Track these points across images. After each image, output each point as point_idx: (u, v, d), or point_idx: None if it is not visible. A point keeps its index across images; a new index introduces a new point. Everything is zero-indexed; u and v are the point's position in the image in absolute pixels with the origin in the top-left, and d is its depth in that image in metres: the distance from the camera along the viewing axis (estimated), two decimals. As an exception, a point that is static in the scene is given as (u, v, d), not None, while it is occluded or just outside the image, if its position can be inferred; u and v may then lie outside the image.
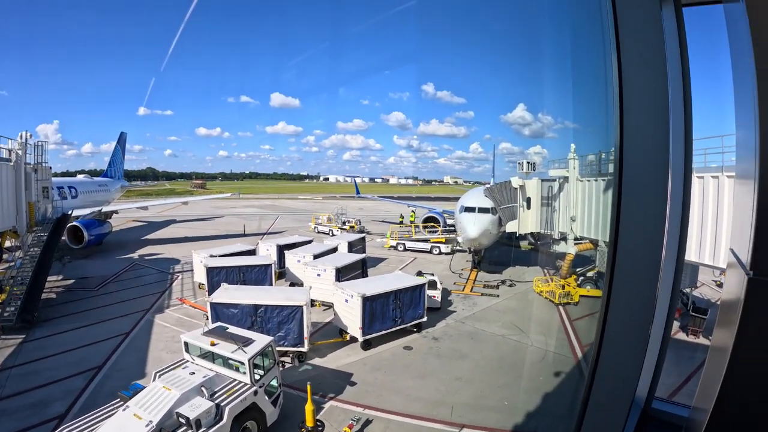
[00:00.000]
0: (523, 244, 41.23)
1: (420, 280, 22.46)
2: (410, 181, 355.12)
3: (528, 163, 32.99)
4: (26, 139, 28.72)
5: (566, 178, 28.46)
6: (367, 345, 19.78)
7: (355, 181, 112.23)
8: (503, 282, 31.26)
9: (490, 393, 16.47)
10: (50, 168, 32.87)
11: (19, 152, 27.88)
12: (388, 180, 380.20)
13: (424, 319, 21.78)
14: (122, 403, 11.95)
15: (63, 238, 35.38)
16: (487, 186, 40.05)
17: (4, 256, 29.36)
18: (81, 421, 11.57)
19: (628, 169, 2.94)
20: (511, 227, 30.79)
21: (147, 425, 10.68)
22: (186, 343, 14.31)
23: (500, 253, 38.67)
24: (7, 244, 30.48)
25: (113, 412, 11.73)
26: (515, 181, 30.78)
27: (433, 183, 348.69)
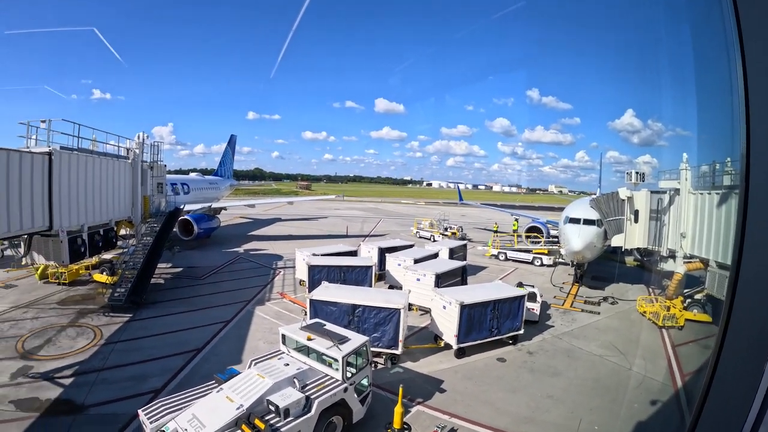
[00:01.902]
0: (629, 259, 40.13)
1: (519, 292, 22.22)
2: (514, 189, 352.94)
3: (637, 173, 31.09)
4: (143, 139, 32.14)
5: (677, 191, 27.66)
6: (460, 353, 19.77)
7: (458, 187, 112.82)
8: (605, 299, 30.25)
9: (580, 415, 15.98)
10: (165, 166, 36.48)
11: (136, 151, 31.25)
12: (491, 187, 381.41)
13: (521, 331, 21.58)
14: (217, 385, 12.83)
15: (174, 230, 38.45)
16: (594, 196, 38.41)
17: (119, 243, 32.32)
18: (176, 396, 12.60)
19: (757, 182, 2.74)
20: (616, 241, 30.02)
21: (237, 408, 11.31)
22: (283, 336, 15.05)
23: (604, 268, 37.42)
24: (123, 232, 33.59)
25: (207, 392, 12.60)
26: (623, 193, 29.67)
27: (537, 192, 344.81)
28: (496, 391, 16.75)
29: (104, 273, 29.12)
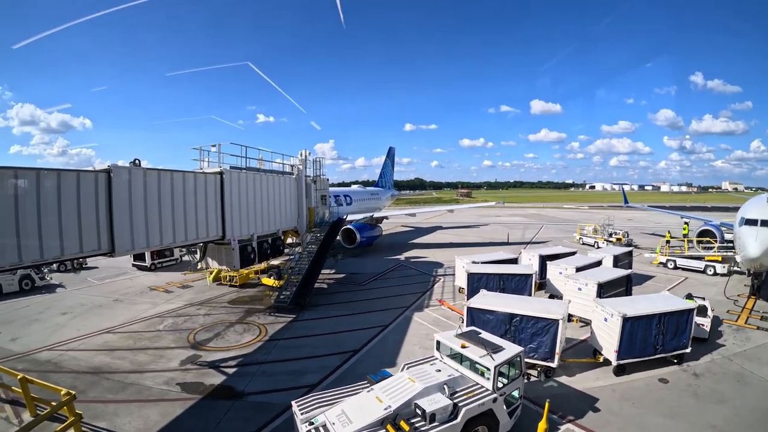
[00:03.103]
0: None
1: (689, 305, 20.12)
2: (683, 189, 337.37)
3: None
4: (305, 156, 34.88)
5: None
6: (620, 370, 18.51)
7: (622, 189, 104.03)
8: None
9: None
10: (327, 179, 38.79)
11: (300, 167, 33.95)
12: (658, 187, 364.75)
13: (688, 350, 19.54)
14: (369, 385, 13.43)
15: (338, 238, 40.87)
16: None
17: (286, 250, 35.32)
18: (329, 392, 13.41)
19: None
20: None
21: (385, 409, 11.70)
22: (438, 342, 15.27)
23: None
24: (289, 241, 36.73)
25: (359, 391, 13.22)
26: None
27: (710, 190, 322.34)
28: (653, 416, 15.29)
29: (272, 277, 32.30)
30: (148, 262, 39.22)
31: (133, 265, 40.04)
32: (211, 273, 32.94)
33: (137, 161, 18.40)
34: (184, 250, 30.37)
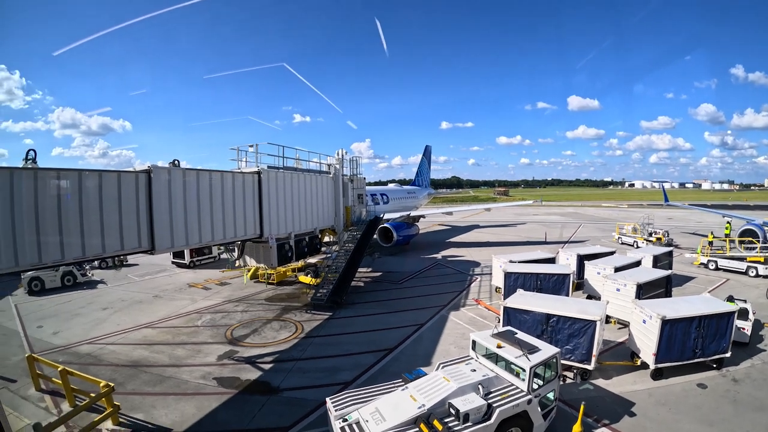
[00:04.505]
0: None
1: (729, 307, 19.56)
2: (725, 186, 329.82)
3: None
4: (342, 155, 35.20)
5: None
6: (657, 374, 18.16)
7: (663, 186, 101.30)
8: None
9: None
10: (364, 178, 39.20)
11: (337, 166, 34.23)
12: (699, 185, 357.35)
13: (728, 354, 18.97)
14: (403, 383, 13.48)
15: (375, 237, 40.80)
16: None
17: (323, 249, 35.53)
18: (363, 389, 13.54)
19: None
20: None
21: (419, 407, 11.72)
22: (474, 342, 15.25)
23: None
24: (327, 239, 37.11)
25: (393, 389, 13.30)
26: None
27: (752, 188, 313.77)
28: (690, 422, 14.98)
29: (309, 275, 32.67)
30: (187, 259, 40.40)
31: (173, 263, 41.36)
32: (248, 271, 33.56)
33: (176, 162, 18.84)
34: (222, 248, 31.02)
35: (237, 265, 27.49)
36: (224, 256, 37.58)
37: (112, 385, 14.04)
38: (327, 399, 12.89)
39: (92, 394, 14.18)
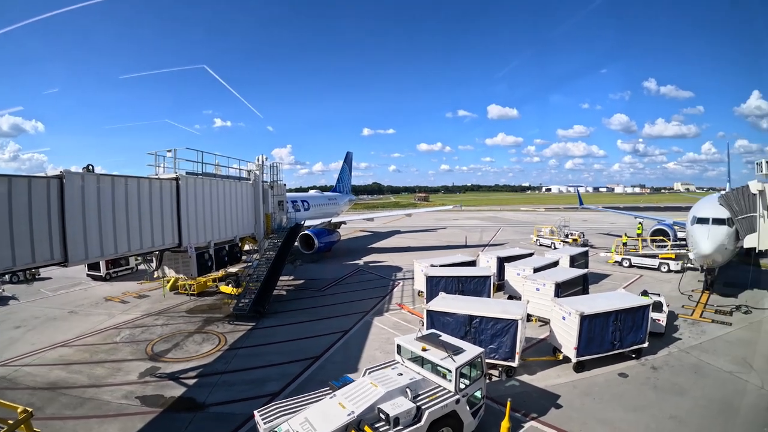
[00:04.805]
0: (764, 262, 37.75)
1: (644, 301, 21.05)
2: (637, 190, 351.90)
3: None
4: (262, 161, 34.70)
5: None
6: (580, 367, 19.13)
7: (578, 191, 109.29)
8: (738, 308, 27.52)
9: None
10: (284, 185, 38.73)
11: (257, 172, 33.67)
12: (613, 189, 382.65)
13: (645, 344, 20.37)
14: (331, 391, 13.42)
15: (296, 244, 40.76)
16: (722, 192, 34.51)
17: (244, 257, 34.93)
18: (291, 400, 13.32)
19: None
20: (749, 242, 27.10)
21: (349, 414, 11.78)
22: (399, 346, 15.41)
23: (737, 273, 34.60)
24: (247, 247, 36.41)
25: (321, 397, 13.18)
26: (753, 186, 26.32)
27: (662, 191, 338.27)
28: (615, 410, 15.89)
29: (230, 285, 31.70)
30: (102, 271, 37.82)
31: (88, 275, 38.54)
32: (167, 282, 32.19)
33: (90, 167, 17.91)
34: (139, 258, 29.55)
35: (155, 276, 26.45)
36: (142, 267, 35.78)
37: (30, 410, 13.01)
38: (255, 412, 12.69)
39: (10, 421, 13.10)
